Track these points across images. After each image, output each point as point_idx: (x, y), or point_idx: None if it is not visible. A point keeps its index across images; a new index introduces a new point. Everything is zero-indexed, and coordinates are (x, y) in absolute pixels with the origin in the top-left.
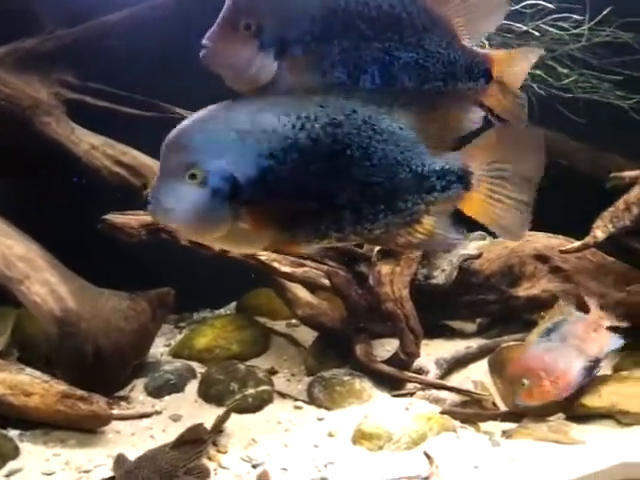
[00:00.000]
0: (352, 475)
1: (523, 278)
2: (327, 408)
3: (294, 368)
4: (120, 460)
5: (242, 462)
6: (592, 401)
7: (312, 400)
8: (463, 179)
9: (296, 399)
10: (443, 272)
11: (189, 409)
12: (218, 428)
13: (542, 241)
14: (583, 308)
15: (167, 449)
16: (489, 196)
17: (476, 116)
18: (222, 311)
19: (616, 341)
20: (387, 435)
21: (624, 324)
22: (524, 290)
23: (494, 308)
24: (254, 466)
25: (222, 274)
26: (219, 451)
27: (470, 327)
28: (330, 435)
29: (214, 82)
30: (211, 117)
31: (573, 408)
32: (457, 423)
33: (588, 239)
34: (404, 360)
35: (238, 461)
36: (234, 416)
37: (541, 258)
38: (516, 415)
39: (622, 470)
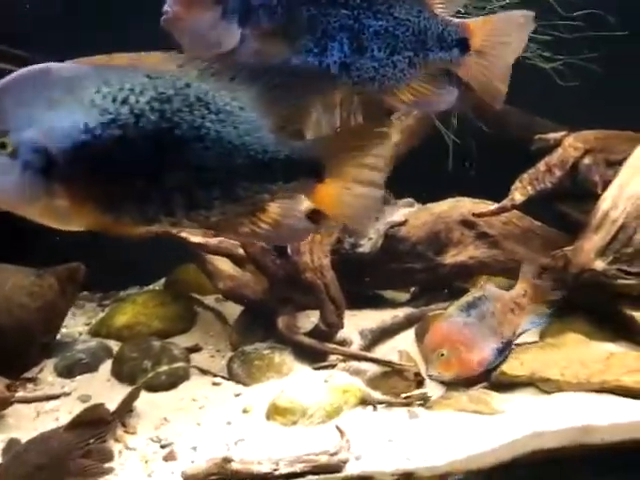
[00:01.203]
0: (260, 452)
1: (450, 245)
2: (245, 384)
3: (220, 344)
4: (11, 445)
5: (151, 443)
6: (513, 369)
7: (231, 376)
8: (313, 171)
9: (215, 375)
10: (370, 240)
11: (100, 389)
12: (125, 408)
13: (468, 206)
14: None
15: (61, 431)
16: (340, 189)
17: (450, 96)
18: (151, 288)
19: (532, 322)
20: (301, 409)
21: (553, 296)
22: (451, 257)
23: (421, 276)
24: (163, 446)
25: (152, 250)
26: (127, 432)
27: (404, 297)
28: (245, 411)
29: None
30: (27, 81)
31: (496, 377)
32: (378, 395)
33: (505, 202)
34: (325, 331)
35: (146, 442)
36: (146, 395)
37: (467, 224)
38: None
39: (537, 439)
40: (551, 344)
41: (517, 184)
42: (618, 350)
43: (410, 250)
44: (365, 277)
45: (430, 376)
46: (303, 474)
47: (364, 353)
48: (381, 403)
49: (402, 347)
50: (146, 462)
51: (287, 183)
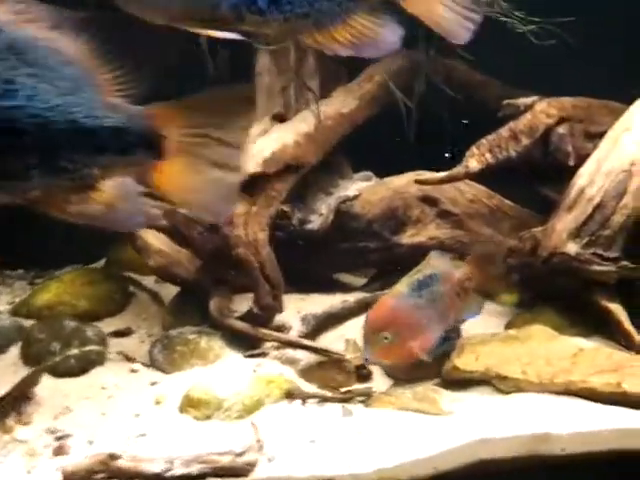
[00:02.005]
0: (162, 448)
1: (408, 223)
2: (165, 371)
3: (154, 328)
4: None
5: (44, 434)
6: (467, 364)
7: (152, 363)
8: (150, 144)
9: (134, 361)
10: (320, 217)
11: (2, 373)
12: (19, 394)
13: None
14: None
15: None
16: (187, 169)
17: (394, 36)
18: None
19: (471, 313)
20: (217, 402)
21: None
22: (409, 237)
23: (376, 257)
24: (58, 439)
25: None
26: (20, 421)
27: (361, 281)
28: (157, 402)
29: None
30: None
31: (448, 372)
32: (313, 388)
33: (458, 169)
34: (260, 315)
35: (40, 433)
36: (51, 380)
37: (428, 200)
38: None
39: (485, 447)
40: (514, 337)
41: (473, 150)
42: (589, 346)
43: (364, 228)
44: (314, 257)
45: (366, 360)
46: (201, 476)
47: (299, 340)
48: (312, 397)
49: (351, 335)
50: (31, 456)
51: (120, 156)
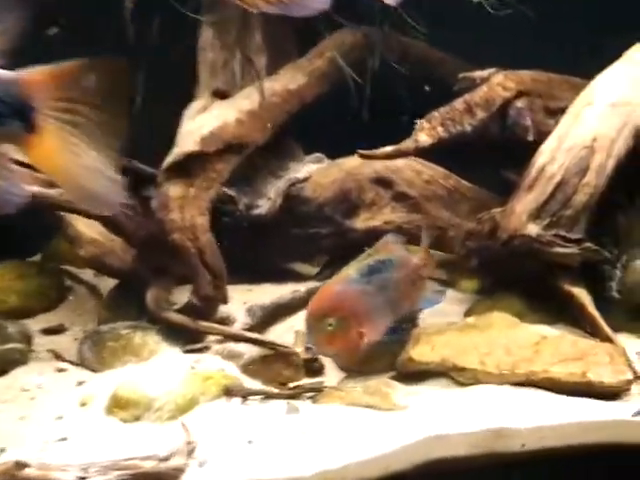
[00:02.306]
0: (80, 454)
1: (362, 207)
2: (95, 370)
3: (89, 324)
4: None
5: None
6: (422, 355)
7: (81, 361)
8: (18, 113)
9: (62, 360)
10: (269, 201)
11: None
12: None
13: (384, 162)
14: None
15: None
16: (60, 147)
17: None
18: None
19: (428, 301)
20: (147, 401)
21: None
22: (363, 221)
23: (328, 243)
24: None
25: (35, 218)
26: None
27: (314, 270)
28: (83, 404)
29: None
30: None
31: (402, 364)
32: (257, 384)
33: (408, 143)
34: (200, 306)
35: None
36: None
37: (383, 182)
38: None
39: (440, 444)
40: (472, 325)
41: (424, 124)
42: (553, 334)
43: (316, 213)
44: (262, 244)
45: (309, 349)
46: None
47: (242, 332)
48: (254, 394)
49: (301, 327)
50: None
51: None
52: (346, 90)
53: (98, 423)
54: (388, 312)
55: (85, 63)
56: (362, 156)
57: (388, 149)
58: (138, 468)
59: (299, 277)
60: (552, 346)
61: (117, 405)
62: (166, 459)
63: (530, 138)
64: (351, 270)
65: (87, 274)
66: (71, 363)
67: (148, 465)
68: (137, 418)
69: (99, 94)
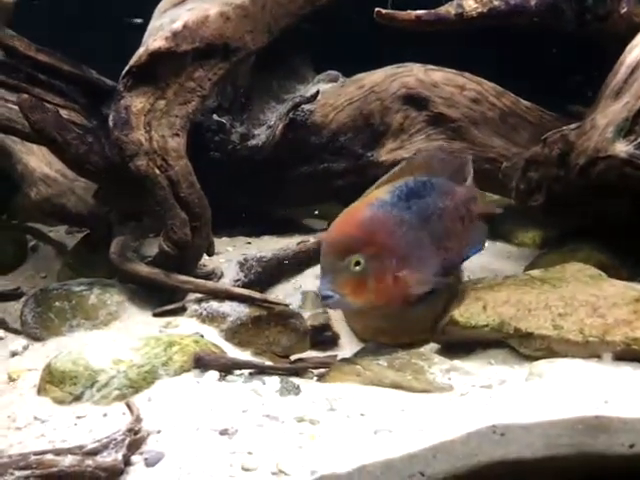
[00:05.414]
0: None
1: (387, 134)
2: (38, 338)
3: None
4: None
5: None
6: (471, 316)
7: (23, 326)
8: None
9: (7, 328)
10: (269, 129)
11: None
12: None
13: (417, 74)
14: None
15: None
16: None
17: None
18: None
19: (479, 243)
20: (89, 376)
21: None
22: (388, 153)
23: (345, 182)
24: None
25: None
26: None
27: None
28: (11, 379)
29: None
30: None
31: (442, 328)
32: (246, 354)
33: (448, 7)
34: (174, 255)
35: None
36: None
37: (415, 101)
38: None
39: (502, 444)
40: (540, 278)
41: None
42: None
43: (327, 143)
44: (260, 186)
45: (325, 297)
46: None
47: (228, 288)
48: (237, 367)
49: (310, 287)
50: None
51: None
52: None
53: (25, 404)
54: (433, 251)
55: None
56: (380, 16)
57: (420, 12)
58: (52, 465)
59: (307, 228)
60: None
61: (51, 381)
62: (95, 453)
63: (622, 10)
64: (380, 192)
65: (59, 232)
66: (8, 330)
67: (66, 462)
68: (77, 398)
69: None
